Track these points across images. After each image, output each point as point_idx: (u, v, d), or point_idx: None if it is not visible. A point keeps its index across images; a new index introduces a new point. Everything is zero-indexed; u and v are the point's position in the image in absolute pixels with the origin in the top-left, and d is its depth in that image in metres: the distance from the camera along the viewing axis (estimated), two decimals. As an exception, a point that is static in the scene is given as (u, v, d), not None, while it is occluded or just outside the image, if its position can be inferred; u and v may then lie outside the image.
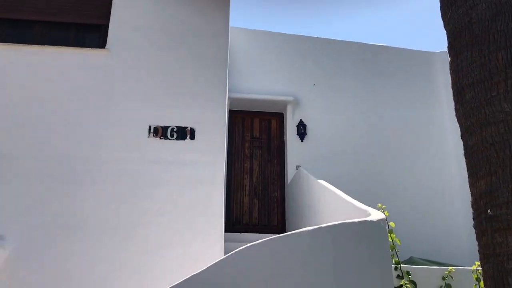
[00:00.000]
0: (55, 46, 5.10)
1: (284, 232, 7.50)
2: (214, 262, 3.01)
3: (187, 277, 2.94)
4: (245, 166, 8.08)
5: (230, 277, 3.01)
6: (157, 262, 4.36)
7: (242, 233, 6.89)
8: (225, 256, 3.01)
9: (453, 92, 2.49)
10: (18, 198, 4.45)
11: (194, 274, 2.94)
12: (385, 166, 8.05)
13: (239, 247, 3.10)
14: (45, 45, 5.09)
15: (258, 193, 7.97)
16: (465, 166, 2.38)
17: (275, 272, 3.03)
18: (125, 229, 4.47)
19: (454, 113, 2.55)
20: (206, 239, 4.57)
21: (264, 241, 3.00)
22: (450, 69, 2.52)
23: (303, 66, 8.55)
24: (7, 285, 4.18)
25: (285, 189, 7.95)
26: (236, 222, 7.67)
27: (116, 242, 4.41)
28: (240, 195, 7.91)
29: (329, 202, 5.26)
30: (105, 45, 5.18)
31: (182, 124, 4.94)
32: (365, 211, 3.99)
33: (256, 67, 8.35)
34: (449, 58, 2.61)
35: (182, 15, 5.42)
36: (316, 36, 8.88)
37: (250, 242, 3.16)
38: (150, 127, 4.89)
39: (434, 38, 20.03)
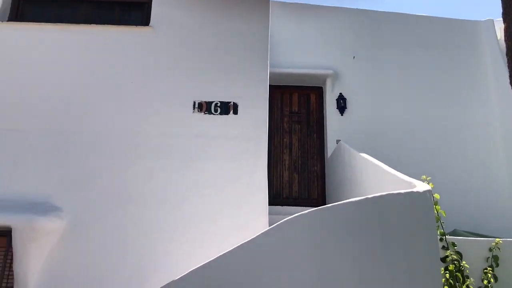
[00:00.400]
0: (101, 25, 5.25)
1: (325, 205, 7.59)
2: (263, 231, 3.10)
3: (238, 245, 3.05)
4: (284, 141, 8.13)
5: (278, 245, 3.11)
6: (205, 232, 4.52)
7: (283, 206, 7.00)
8: (274, 225, 3.09)
9: (508, 59, 2.44)
10: (74, 172, 4.68)
11: (245, 242, 3.05)
12: (428, 138, 7.90)
13: (281, 220, 3.18)
14: (92, 24, 5.23)
15: (297, 168, 8.03)
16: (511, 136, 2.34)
17: (322, 241, 3.10)
18: (173, 200, 4.64)
19: (500, 83, 2.50)
20: (251, 211, 4.68)
21: (311, 210, 3.07)
22: (505, 36, 2.46)
23: (343, 39, 8.44)
24: (65, 254, 4.44)
25: (325, 163, 7.97)
26: (276, 196, 7.79)
27: (166, 213, 4.59)
28: (280, 169, 7.99)
29: (372, 175, 5.26)
30: (149, 22, 5.28)
31: (225, 99, 5.02)
32: (410, 183, 3.98)
33: (294, 41, 8.31)
34: (502, 25, 2.55)
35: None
36: (355, 8, 8.71)
37: (292, 215, 3.23)
38: (194, 103, 5.00)
39: (479, 8, 19.22)
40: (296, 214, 3.03)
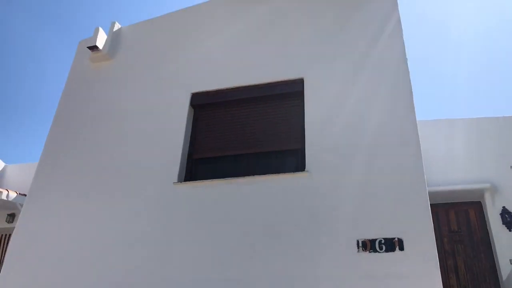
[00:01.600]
0: (262, 175, 5.75)
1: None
2: None
3: None
4: (448, 263, 7.59)
5: None
6: None
7: None
8: None
9: None
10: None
11: None
12: None
13: None
14: (254, 175, 5.77)
15: (468, 293, 7.33)
16: None
17: None
18: None
19: None
20: None
21: None
22: None
23: (494, 149, 8.05)
24: None
25: (501, 286, 7.17)
26: (449, 327, 7.09)
27: None
28: (448, 296, 7.36)
29: None
30: (304, 167, 5.66)
31: (389, 235, 4.97)
32: None
33: (442, 158, 8.13)
34: None
35: (371, 127, 5.68)
36: (500, 116, 8.36)
37: None
38: (358, 242, 5.03)
39: None
40: None
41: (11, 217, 10.65)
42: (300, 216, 5.39)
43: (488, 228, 7.58)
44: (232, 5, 7.66)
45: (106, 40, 7.87)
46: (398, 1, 6.43)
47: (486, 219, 7.66)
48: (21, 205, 9.94)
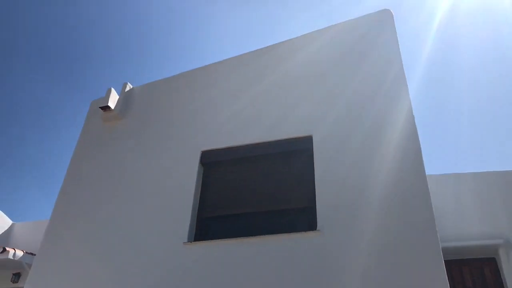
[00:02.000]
0: (273, 234, 5.70)
1: None
2: None
3: None
4: (467, 325, 7.34)
5: None
6: None
7: None
8: None
9: None
10: None
11: None
12: None
13: None
14: (265, 235, 5.72)
15: None
16: None
17: None
18: None
19: None
20: None
21: None
22: None
23: (506, 203, 7.96)
24: None
25: None
26: None
27: None
28: None
29: None
30: (315, 226, 5.62)
31: (403, 297, 4.86)
32: None
33: (453, 213, 8.04)
34: None
35: (381, 184, 5.67)
36: (510, 170, 8.35)
37: None
38: (371, 304, 4.91)
39: None
40: None
41: (17, 277, 10.50)
42: (311, 277, 5.28)
43: (504, 286, 7.38)
44: (241, 64, 7.90)
45: (118, 100, 8.09)
46: (402, 58, 6.59)
47: (502, 276, 7.47)
48: (28, 265, 9.84)
